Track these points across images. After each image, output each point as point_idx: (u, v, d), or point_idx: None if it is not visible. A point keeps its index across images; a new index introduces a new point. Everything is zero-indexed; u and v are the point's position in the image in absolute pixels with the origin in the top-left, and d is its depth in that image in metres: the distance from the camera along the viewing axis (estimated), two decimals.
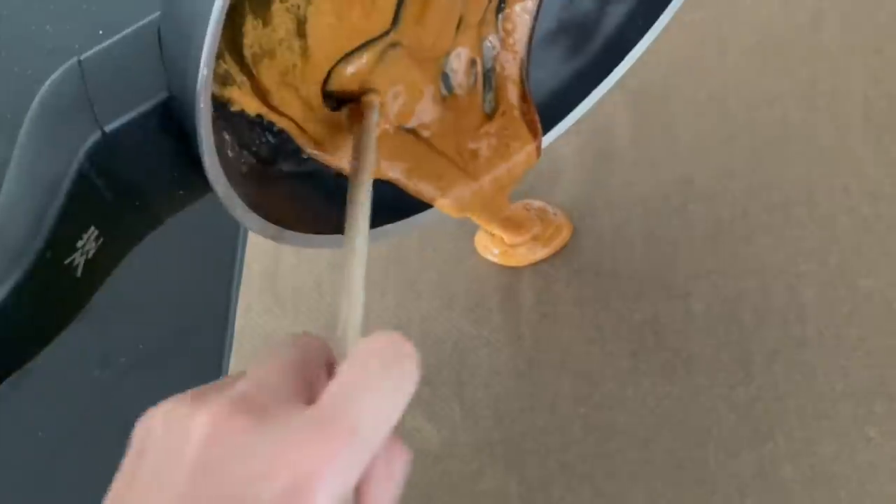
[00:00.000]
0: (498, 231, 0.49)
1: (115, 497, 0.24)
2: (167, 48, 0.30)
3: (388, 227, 0.42)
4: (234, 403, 0.24)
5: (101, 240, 0.32)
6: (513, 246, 0.51)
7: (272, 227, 0.35)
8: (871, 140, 0.51)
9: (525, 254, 0.51)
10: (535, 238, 0.50)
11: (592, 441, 0.45)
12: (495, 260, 0.52)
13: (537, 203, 0.52)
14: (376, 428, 0.24)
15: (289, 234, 0.37)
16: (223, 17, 0.26)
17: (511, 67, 0.43)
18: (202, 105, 0.27)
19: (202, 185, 0.31)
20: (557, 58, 0.46)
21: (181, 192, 0.34)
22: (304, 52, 0.36)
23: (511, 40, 0.43)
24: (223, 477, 0.23)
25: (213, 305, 0.55)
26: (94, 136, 0.30)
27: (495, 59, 0.43)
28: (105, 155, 0.30)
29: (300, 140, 0.38)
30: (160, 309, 0.58)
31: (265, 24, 0.34)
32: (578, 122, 0.55)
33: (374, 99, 0.39)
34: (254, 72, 0.35)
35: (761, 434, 0.44)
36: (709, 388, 0.46)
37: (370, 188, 0.35)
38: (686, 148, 0.53)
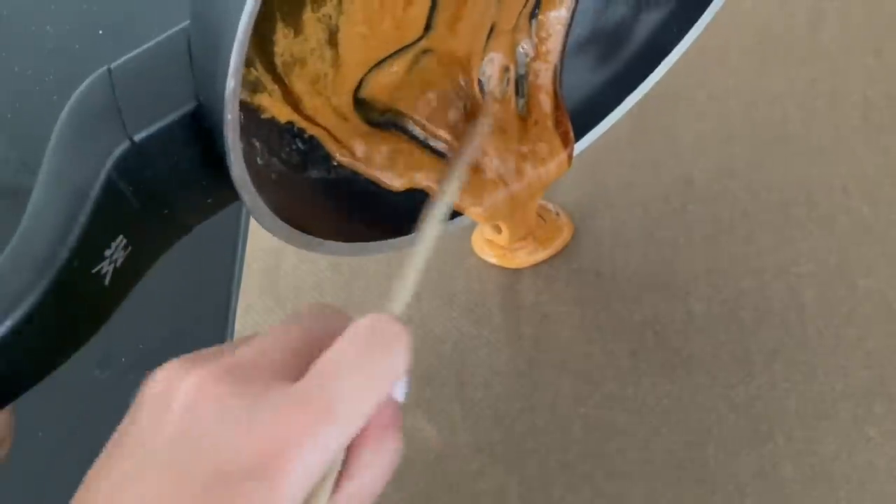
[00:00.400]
0: (507, 232, 0.49)
1: (104, 457, 0.25)
2: (196, 57, 0.30)
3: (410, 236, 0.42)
4: (223, 372, 0.24)
5: (130, 248, 0.32)
6: (512, 249, 0.51)
7: (302, 236, 0.35)
8: (871, 140, 0.51)
9: (525, 257, 0.51)
10: (534, 239, 0.50)
11: (592, 441, 0.45)
12: (494, 262, 0.52)
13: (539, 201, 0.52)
14: (355, 407, 0.24)
15: (327, 244, 0.37)
16: (252, 25, 0.26)
17: (544, 75, 0.43)
18: (230, 115, 0.27)
19: (230, 193, 0.31)
20: (590, 65, 0.46)
21: (209, 201, 0.34)
22: (335, 61, 0.36)
23: (544, 48, 0.43)
24: (199, 443, 0.23)
25: (213, 305, 0.55)
26: (123, 145, 0.30)
27: (528, 66, 0.43)
28: (133, 164, 0.30)
29: (331, 147, 0.38)
30: (160, 309, 0.58)
31: (297, 33, 0.34)
32: None
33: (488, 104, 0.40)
34: (285, 80, 0.35)
35: (761, 434, 0.44)
36: (709, 387, 0.46)
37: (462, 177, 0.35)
38: (686, 148, 0.53)
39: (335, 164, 0.39)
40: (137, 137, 0.30)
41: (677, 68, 0.56)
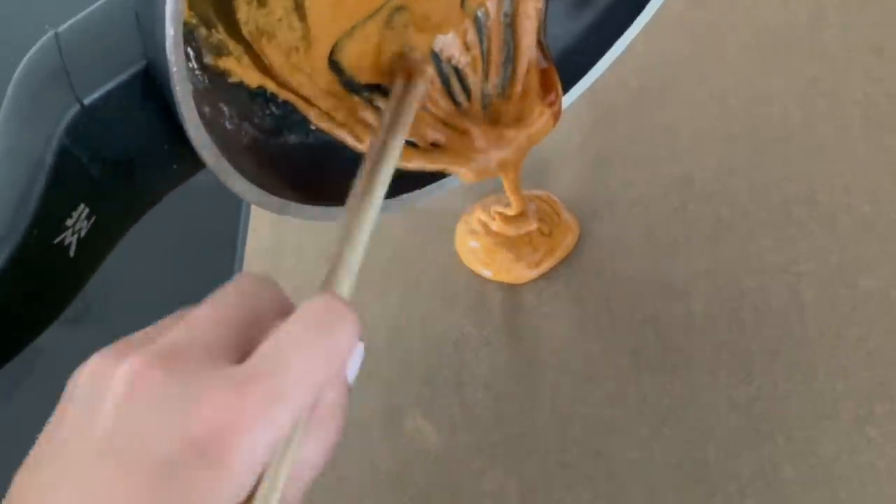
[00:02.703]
0: (509, 191, 0.48)
1: (36, 453, 0.24)
2: (139, 12, 0.29)
3: (405, 196, 0.41)
4: (157, 357, 0.24)
5: (94, 218, 0.31)
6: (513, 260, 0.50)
7: (273, 199, 0.34)
8: (872, 139, 0.51)
9: (525, 271, 0.50)
10: (534, 250, 0.50)
11: (592, 441, 0.45)
12: (490, 277, 0.51)
13: (542, 194, 0.52)
14: (305, 387, 0.24)
15: (293, 206, 0.36)
16: None
17: (530, 20, 0.42)
18: (175, 67, 0.27)
19: (195, 158, 0.30)
20: (568, 10, 0.45)
21: (174, 167, 0.33)
22: (306, 33, 0.35)
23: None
24: (139, 434, 0.23)
25: None
26: (73, 110, 0.29)
27: (514, 12, 0.42)
28: (86, 128, 0.29)
29: (307, 112, 0.37)
30: (160, 309, 0.58)
31: (260, 4, 0.33)
32: (580, 120, 0.55)
33: (426, 67, 0.38)
34: (255, 48, 0.34)
35: (761, 434, 0.44)
36: (709, 387, 0.45)
37: (402, 144, 0.34)
38: (686, 147, 0.53)
39: (313, 127, 0.38)
40: (87, 100, 0.29)
41: (677, 68, 0.56)
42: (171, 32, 0.26)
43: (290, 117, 0.37)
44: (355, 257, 0.32)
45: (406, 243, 0.53)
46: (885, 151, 0.50)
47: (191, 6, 0.31)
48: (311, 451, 0.26)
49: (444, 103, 0.42)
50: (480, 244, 0.51)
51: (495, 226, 0.50)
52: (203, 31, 0.32)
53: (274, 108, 0.36)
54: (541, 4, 0.42)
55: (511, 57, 0.43)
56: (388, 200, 0.38)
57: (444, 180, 0.42)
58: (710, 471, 0.43)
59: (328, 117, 0.38)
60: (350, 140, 0.38)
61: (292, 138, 0.38)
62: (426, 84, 0.38)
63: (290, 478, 0.25)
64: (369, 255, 0.53)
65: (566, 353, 0.48)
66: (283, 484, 0.24)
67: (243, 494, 0.23)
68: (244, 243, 0.56)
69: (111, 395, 0.23)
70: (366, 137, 0.39)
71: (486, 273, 0.51)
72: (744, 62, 0.55)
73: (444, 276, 0.51)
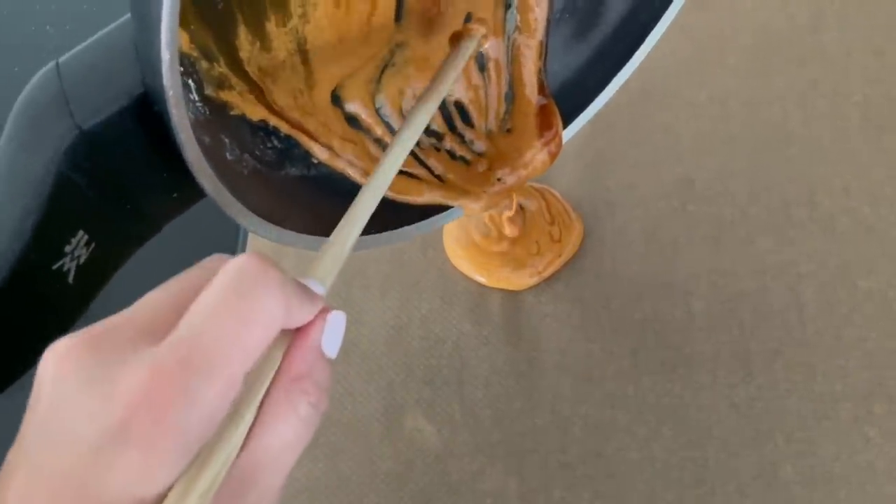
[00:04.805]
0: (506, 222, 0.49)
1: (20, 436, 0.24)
2: (136, 39, 0.29)
3: (409, 228, 0.41)
4: (86, 339, 0.23)
5: (93, 245, 0.31)
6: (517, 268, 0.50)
7: (272, 228, 0.35)
8: (871, 140, 0.51)
9: (527, 279, 0.50)
10: (539, 252, 0.50)
11: (592, 441, 0.45)
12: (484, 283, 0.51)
13: (544, 188, 0.52)
14: (222, 358, 0.22)
15: (293, 235, 0.36)
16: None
17: (529, 55, 0.42)
18: (171, 91, 0.27)
19: (195, 187, 0.30)
20: (567, 43, 0.45)
21: (175, 195, 0.33)
22: (308, 75, 0.36)
23: (530, 19, 0.42)
24: (66, 416, 0.22)
25: None
26: (72, 136, 0.29)
27: (514, 47, 0.42)
28: (84, 154, 0.30)
29: (310, 147, 0.37)
30: None
31: (264, 46, 0.34)
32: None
33: (476, 29, 0.39)
34: (260, 86, 0.35)
35: (761, 434, 0.44)
36: (709, 387, 0.46)
37: (426, 121, 0.35)
38: (686, 148, 0.53)
39: (315, 161, 0.38)
40: (86, 127, 0.29)
41: (678, 69, 0.56)
42: (167, 57, 0.26)
43: (292, 151, 0.37)
44: (351, 232, 0.30)
45: (406, 244, 0.53)
46: (884, 153, 0.50)
47: (192, 39, 0.32)
48: (286, 432, 0.24)
49: (449, 139, 0.43)
50: (478, 253, 0.51)
51: (507, 230, 0.50)
52: (204, 63, 0.32)
53: (276, 142, 0.37)
54: (541, 37, 0.42)
55: (511, 91, 0.43)
56: (394, 231, 0.40)
57: (448, 212, 0.43)
58: (710, 471, 0.43)
59: (332, 152, 0.38)
60: (355, 175, 0.39)
61: (294, 171, 0.38)
62: (472, 44, 0.39)
63: (262, 461, 0.24)
64: (369, 256, 0.53)
65: (566, 353, 0.48)
66: (221, 463, 0.23)
67: (174, 474, 0.22)
68: (245, 246, 0.56)
69: (47, 378, 0.23)
70: (371, 171, 0.39)
71: (481, 279, 0.51)
72: (744, 64, 0.55)
73: (444, 276, 0.51)
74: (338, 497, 0.46)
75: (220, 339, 0.23)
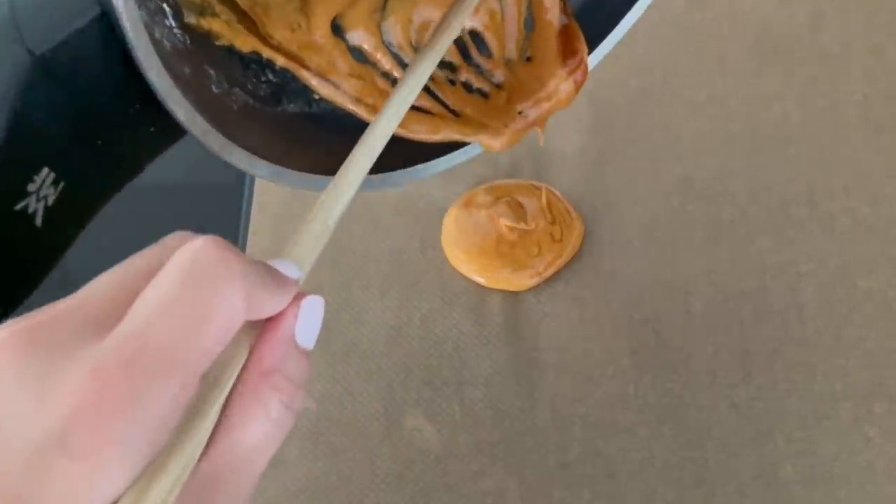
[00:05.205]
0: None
1: None
2: None
3: (422, 166, 0.37)
4: (29, 328, 0.21)
5: (62, 185, 0.28)
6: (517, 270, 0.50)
7: (262, 164, 0.31)
8: (872, 139, 0.51)
9: (527, 280, 0.50)
10: (540, 253, 0.50)
11: (592, 441, 0.45)
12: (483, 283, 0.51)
13: (544, 187, 0.51)
14: (173, 358, 0.20)
15: (286, 171, 0.32)
16: None
17: None
18: (122, 8, 0.25)
19: (173, 119, 0.27)
20: None
21: (151, 129, 0.30)
22: (305, 5, 0.33)
23: None
24: (4, 415, 0.20)
25: None
26: (25, 64, 0.26)
27: None
28: (39, 83, 0.27)
29: (310, 81, 0.34)
30: None
31: None
32: (580, 120, 0.55)
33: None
34: (252, 16, 0.32)
35: (761, 434, 0.44)
36: (709, 387, 0.46)
37: (432, 68, 0.31)
38: (686, 148, 0.53)
39: (316, 97, 0.34)
40: (39, 52, 0.26)
41: (678, 69, 0.56)
42: None
43: (289, 85, 0.34)
44: (346, 190, 0.27)
45: (407, 243, 0.53)
46: (884, 153, 0.50)
47: None
48: (255, 433, 0.22)
49: (465, 70, 0.39)
50: (478, 254, 0.50)
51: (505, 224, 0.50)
52: None
53: (271, 76, 0.33)
54: None
55: (530, 15, 0.40)
56: (405, 171, 0.36)
57: (465, 148, 0.38)
58: (710, 471, 0.44)
59: (335, 88, 0.34)
60: (362, 112, 0.35)
61: (292, 107, 0.34)
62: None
63: (228, 466, 0.22)
64: (369, 256, 0.53)
65: (566, 353, 0.48)
66: (179, 470, 0.21)
67: (121, 485, 0.20)
68: (245, 243, 0.56)
69: None
70: (381, 107, 0.35)
71: (481, 280, 0.51)
72: (743, 63, 0.55)
73: (444, 276, 0.51)
74: (338, 497, 0.46)
75: (171, 338, 0.20)
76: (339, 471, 0.46)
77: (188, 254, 0.21)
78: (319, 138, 0.35)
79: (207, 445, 0.21)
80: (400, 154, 0.35)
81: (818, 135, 0.51)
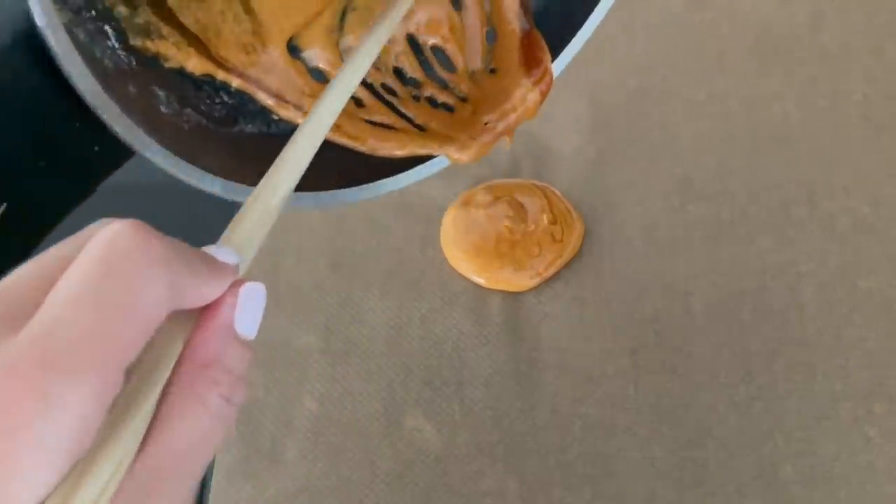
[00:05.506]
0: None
1: None
2: None
3: (386, 181, 0.36)
4: None
5: (4, 206, 0.27)
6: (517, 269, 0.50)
7: (215, 181, 0.30)
8: (872, 139, 0.51)
9: (528, 281, 0.50)
10: (541, 254, 0.50)
11: (592, 441, 0.45)
12: (482, 284, 0.50)
13: (545, 186, 0.51)
14: (88, 354, 0.19)
15: (241, 187, 0.31)
16: None
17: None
18: (40, 15, 0.24)
19: (116, 139, 0.27)
20: None
21: (96, 149, 0.29)
22: (257, 27, 0.32)
23: None
24: None
25: None
26: None
27: None
28: None
29: (268, 103, 0.33)
30: None
31: None
32: (580, 120, 0.55)
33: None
34: (203, 41, 0.31)
35: (761, 434, 0.44)
36: (709, 387, 0.46)
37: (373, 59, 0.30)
38: (686, 148, 0.53)
39: (276, 118, 0.34)
40: None
41: (677, 68, 0.55)
42: None
43: (245, 107, 0.33)
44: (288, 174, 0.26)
45: (406, 243, 0.53)
46: (884, 153, 0.50)
47: None
48: (193, 429, 0.21)
49: (428, 86, 0.39)
50: (478, 253, 0.50)
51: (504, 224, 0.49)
52: (123, 9, 0.29)
53: (226, 97, 0.32)
54: None
55: (493, 29, 0.39)
56: (371, 185, 0.35)
57: (432, 160, 0.38)
58: (710, 471, 0.44)
59: (295, 109, 0.34)
60: (328, 133, 0.33)
61: (250, 128, 0.33)
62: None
63: (165, 465, 0.20)
64: (369, 255, 0.53)
65: (566, 353, 0.48)
66: (110, 471, 0.20)
67: (41, 491, 0.18)
68: None
69: None
70: (346, 125, 0.35)
71: (480, 281, 0.51)
72: (743, 63, 0.55)
73: (444, 276, 0.51)
74: (338, 497, 0.46)
75: (85, 331, 0.19)
76: (339, 471, 0.46)
77: (103, 240, 0.20)
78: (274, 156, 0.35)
79: (143, 443, 0.20)
80: (366, 166, 0.35)
81: (818, 135, 0.51)
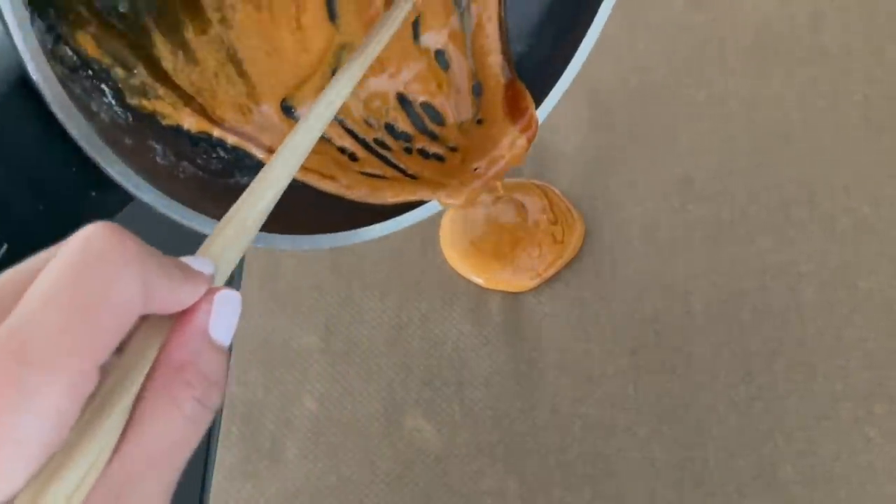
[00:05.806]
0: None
1: None
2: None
3: (377, 226, 0.38)
4: None
5: (5, 246, 0.28)
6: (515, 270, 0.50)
7: (210, 222, 0.31)
8: (872, 140, 0.51)
9: (527, 281, 0.50)
10: (540, 255, 0.50)
11: (592, 441, 0.45)
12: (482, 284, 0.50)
13: (545, 186, 0.51)
14: (59, 352, 0.19)
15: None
16: None
17: (491, 22, 0.39)
18: (27, 54, 0.24)
19: (114, 183, 0.27)
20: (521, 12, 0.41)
21: (93, 194, 0.29)
22: (251, 89, 0.34)
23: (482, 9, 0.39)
24: None
25: None
26: None
27: (473, 31, 0.40)
28: None
29: (265, 159, 0.34)
30: None
31: (189, 58, 0.32)
32: (580, 120, 0.55)
33: None
34: (200, 100, 0.32)
35: (761, 434, 0.44)
36: (709, 387, 0.46)
37: (368, 64, 0.31)
38: (686, 148, 0.53)
39: None
40: None
41: (677, 69, 0.56)
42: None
43: (242, 161, 0.34)
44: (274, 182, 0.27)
45: (406, 244, 0.53)
46: (884, 153, 0.50)
47: (99, 44, 0.30)
48: (168, 432, 0.21)
49: (419, 139, 0.40)
50: (478, 254, 0.50)
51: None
52: (120, 71, 0.30)
53: (223, 153, 0.34)
54: (499, 11, 0.39)
55: (478, 83, 0.41)
56: (367, 228, 0.37)
57: (426, 205, 0.40)
58: (710, 471, 0.44)
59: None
60: (325, 185, 0.36)
61: (246, 180, 0.34)
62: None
63: (138, 468, 0.20)
64: (369, 256, 0.53)
65: (566, 353, 0.48)
66: (83, 470, 0.20)
67: (12, 487, 0.19)
68: (242, 263, 0.56)
69: None
70: (341, 176, 0.36)
71: (480, 282, 0.50)
72: (743, 63, 0.55)
73: (444, 276, 0.51)
74: (338, 497, 0.46)
75: (59, 327, 0.19)
76: (339, 471, 0.46)
77: (79, 240, 0.20)
78: (280, 207, 0.35)
79: (118, 444, 0.20)
80: (363, 210, 0.36)
81: (818, 135, 0.51)
